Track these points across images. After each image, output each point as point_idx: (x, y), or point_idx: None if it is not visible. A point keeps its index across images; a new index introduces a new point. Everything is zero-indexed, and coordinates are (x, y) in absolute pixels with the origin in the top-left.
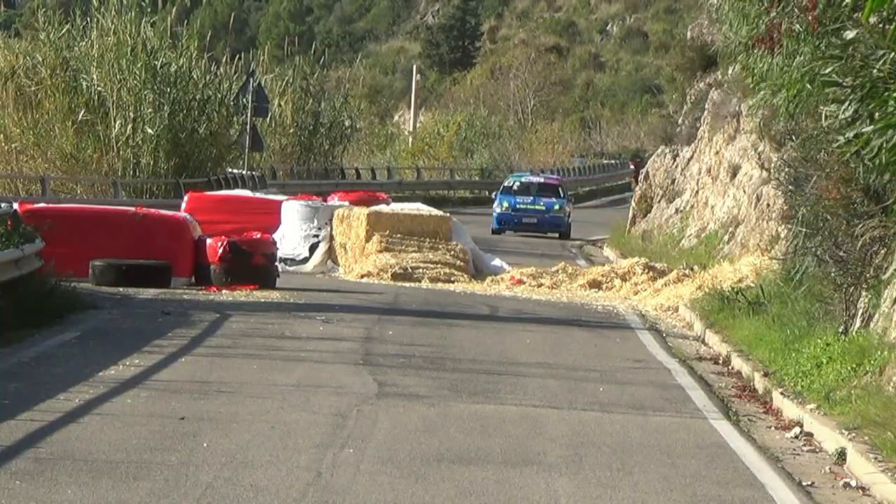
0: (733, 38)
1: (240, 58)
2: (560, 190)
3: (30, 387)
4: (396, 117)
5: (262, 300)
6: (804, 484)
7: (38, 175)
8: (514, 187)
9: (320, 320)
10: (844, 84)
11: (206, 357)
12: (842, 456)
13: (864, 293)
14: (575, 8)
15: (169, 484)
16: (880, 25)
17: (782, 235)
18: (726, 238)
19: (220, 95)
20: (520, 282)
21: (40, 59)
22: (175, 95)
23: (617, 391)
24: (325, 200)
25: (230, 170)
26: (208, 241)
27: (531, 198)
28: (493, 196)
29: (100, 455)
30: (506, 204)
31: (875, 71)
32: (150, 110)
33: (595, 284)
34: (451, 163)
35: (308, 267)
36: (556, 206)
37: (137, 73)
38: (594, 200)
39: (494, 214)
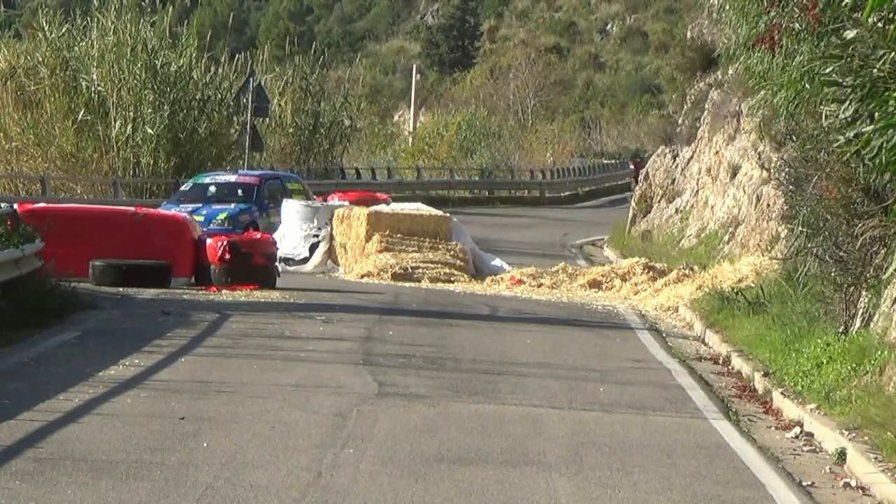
0: (733, 38)
1: (240, 58)
2: (255, 192)
3: (30, 387)
4: (396, 117)
5: (262, 300)
6: (804, 484)
7: (38, 175)
8: (188, 188)
9: (320, 320)
10: (844, 84)
11: (206, 357)
12: (842, 456)
13: (864, 293)
14: (575, 8)
15: (169, 484)
16: (880, 25)
17: (782, 235)
18: (726, 238)
19: (220, 95)
20: (520, 282)
21: (40, 59)
22: (175, 95)
23: (617, 391)
24: (325, 200)
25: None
26: (208, 241)
27: (200, 205)
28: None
29: (100, 455)
30: (201, 217)
31: (875, 70)
32: (150, 110)
33: (595, 284)
34: (451, 163)
35: (308, 267)
36: (221, 217)
37: (137, 73)
38: (594, 200)
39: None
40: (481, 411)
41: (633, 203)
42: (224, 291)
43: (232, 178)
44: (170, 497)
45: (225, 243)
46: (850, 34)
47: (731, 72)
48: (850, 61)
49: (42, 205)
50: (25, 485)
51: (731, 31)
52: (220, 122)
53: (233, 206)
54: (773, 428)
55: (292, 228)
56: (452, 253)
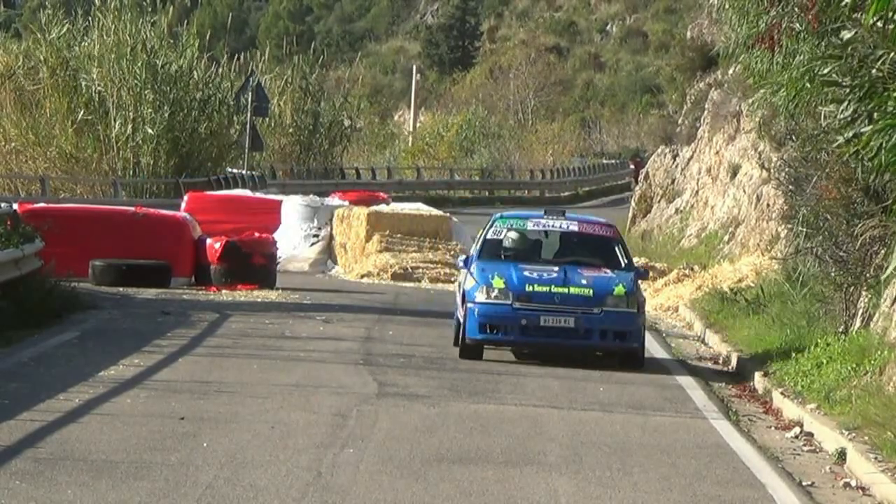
0: (733, 38)
1: (240, 58)
2: (617, 250)
3: (30, 387)
4: (396, 117)
5: (262, 300)
6: (804, 484)
7: (38, 175)
8: (510, 243)
9: (320, 320)
10: (843, 84)
11: (206, 357)
12: (842, 456)
13: (864, 293)
14: (575, 8)
15: (169, 484)
16: (879, 24)
17: (782, 235)
18: (726, 238)
19: (220, 95)
20: None
21: (40, 59)
22: (175, 95)
23: (617, 391)
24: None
25: (230, 170)
26: (208, 241)
27: (554, 270)
28: (459, 259)
29: (100, 455)
30: (500, 282)
31: (874, 71)
32: (150, 110)
33: None
34: (451, 163)
35: (301, 258)
36: (616, 289)
37: (137, 73)
38: (594, 200)
39: (469, 307)
40: (481, 411)
41: (633, 203)
42: (224, 291)
43: (571, 224)
44: (170, 497)
45: (225, 243)
46: (847, 35)
47: (731, 72)
48: (849, 61)
49: (42, 205)
50: (25, 485)
51: (731, 31)
52: (220, 122)
53: (608, 273)
54: (773, 428)
55: (292, 228)
56: (452, 253)
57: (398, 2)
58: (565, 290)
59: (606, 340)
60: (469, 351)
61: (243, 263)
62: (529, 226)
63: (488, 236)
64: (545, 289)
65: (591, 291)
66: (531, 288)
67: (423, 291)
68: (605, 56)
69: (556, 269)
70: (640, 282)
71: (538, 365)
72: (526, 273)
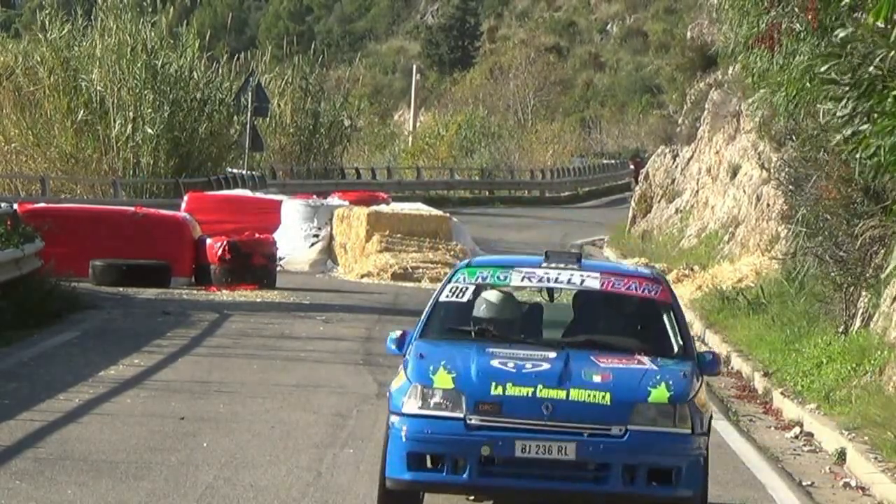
0: (733, 38)
1: (239, 58)
2: (666, 321)
3: (30, 387)
4: (396, 117)
5: (262, 300)
6: (804, 484)
7: (37, 175)
8: (484, 311)
9: (320, 320)
10: (842, 82)
11: (206, 357)
12: (842, 456)
13: (864, 293)
14: (575, 8)
15: (169, 484)
16: (881, 25)
17: (782, 235)
18: (726, 238)
19: (220, 95)
20: None
21: (39, 60)
22: (175, 95)
23: None
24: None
25: (230, 170)
26: (208, 241)
27: (548, 356)
28: (390, 339)
29: (100, 455)
30: (446, 378)
31: (872, 69)
32: (150, 110)
33: None
34: (451, 163)
35: (302, 259)
36: (655, 392)
37: (137, 73)
38: (594, 200)
39: (392, 423)
40: None
41: (633, 203)
42: (224, 291)
43: (590, 273)
44: (170, 497)
45: (225, 243)
46: (841, 33)
47: (730, 72)
48: (849, 59)
49: (42, 205)
50: (25, 484)
51: (731, 31)
52: (220, 122)
53: (648, 364)
54: (773, 428)
55: (293, 228)
56: (452, 253)
57: (398, 2)
58: (562, 393)
59: (636, 485)
60: (390, 501)
61: (243, 263)
62: (515, 279)
63: (441, 298)
64: (526, 391)
65: (609, 397)
66: (500, 389)
67: (423, 291)
68: (605, 56)
69: (551, 354)
70: (704, 379)
71: None
72: (495, 362)
